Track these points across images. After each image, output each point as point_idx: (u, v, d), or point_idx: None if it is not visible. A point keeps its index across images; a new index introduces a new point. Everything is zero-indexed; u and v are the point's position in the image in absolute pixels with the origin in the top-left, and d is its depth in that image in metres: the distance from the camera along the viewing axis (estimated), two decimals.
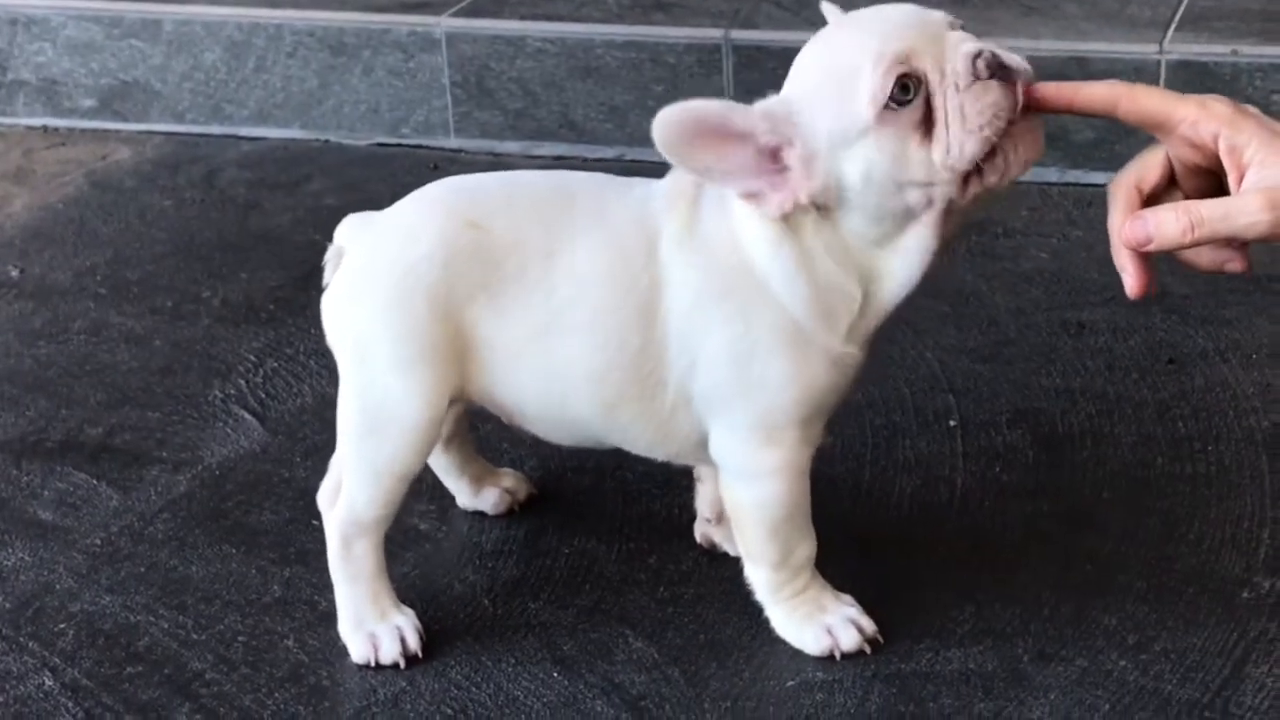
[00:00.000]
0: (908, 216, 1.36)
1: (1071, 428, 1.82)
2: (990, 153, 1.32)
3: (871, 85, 1.31)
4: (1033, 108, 1.32)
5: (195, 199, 2.51)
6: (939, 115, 1.31)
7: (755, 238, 1.40)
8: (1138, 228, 1.27)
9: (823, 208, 1.37)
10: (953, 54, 1.32)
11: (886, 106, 1.31)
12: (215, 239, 2.37)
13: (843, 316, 1.40)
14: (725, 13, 2.59)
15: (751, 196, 1.36)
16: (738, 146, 1.34)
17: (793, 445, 1.44)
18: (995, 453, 1.78)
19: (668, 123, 1.33)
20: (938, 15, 1.35)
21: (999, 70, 1.31)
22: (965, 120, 1.31)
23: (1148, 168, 1.32)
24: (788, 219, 1.38)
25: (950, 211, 1.35)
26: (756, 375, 1.41)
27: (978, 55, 1.31)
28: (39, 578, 1.65)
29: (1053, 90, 1.32)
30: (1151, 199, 1.31)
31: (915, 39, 1.32)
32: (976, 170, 1.33)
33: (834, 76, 1.34)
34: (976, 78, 1.31)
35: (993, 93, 1.31)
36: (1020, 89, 1.31)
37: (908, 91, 1.31)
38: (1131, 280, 1.29)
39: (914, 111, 1.32)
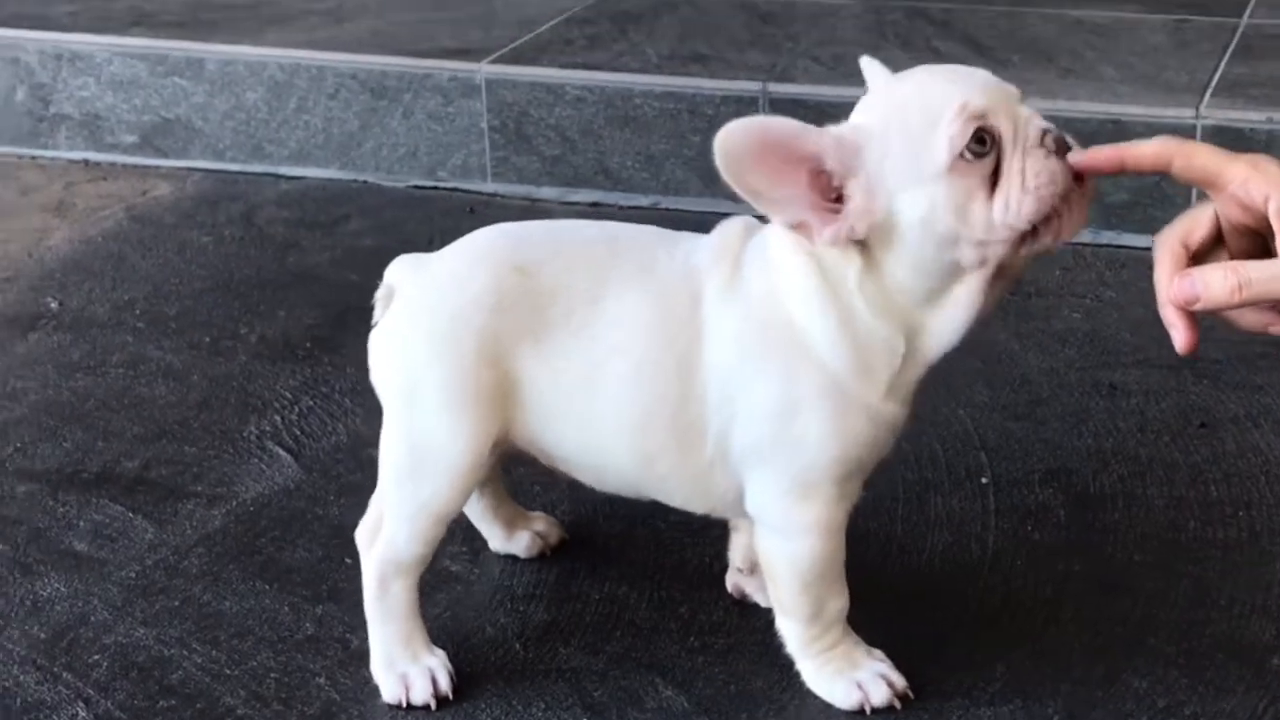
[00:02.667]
0: (956, 273, 1.36)
1: (1103, 489, 1.83)
2: (1045, 217, 1.33)
3: (951, 132, 1.32)
4: (1087, 173, 1.34)
5: (234, 236, 2.53)
6: (1004, 175, 1.33)
7: (795, 290, 1.40)
8: (1185, 287, 1.27)
9: (870, 253, 1.37)
10: (1025, 124, 1.34)
11: (961, 156, 1.32)
12: (253, 276, 2.39)
13: (883, 371, 1.40)
14: (763, 66, 2.61)
15: (799, 228, 1.35)
16: (795, 173, 1.33)
17: (829, 502, 1.44)
18: (1027, 511, 1.79)
19: (734, 134, 1.31)
20: (1011, 87, 1.37)
21: (1063, 149, 1.34)
22: (1025, 181, 1.32)
23: (1195, 224, 1.31)
24: (829, 271, 1.38)
25: (1000, 272, 1.36)
26: (796, 432, 1.41)
27: (1047, 131, 1.34)
28: (74, 609, 1.66)
29: (1105, 154, 1.33)
30: (1197, 256, 1.30)
31: (997, 99, 1.34)
32: (1032, 231, 1.34)
33: (914, 116, 1.34)
34: (1043, 148, 1.33)
35: (1052, 161, 1.33)
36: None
37: (983, 145, 1.32)
38: (1180, 336, 1.29)
39: (985, 166, 1.33)
